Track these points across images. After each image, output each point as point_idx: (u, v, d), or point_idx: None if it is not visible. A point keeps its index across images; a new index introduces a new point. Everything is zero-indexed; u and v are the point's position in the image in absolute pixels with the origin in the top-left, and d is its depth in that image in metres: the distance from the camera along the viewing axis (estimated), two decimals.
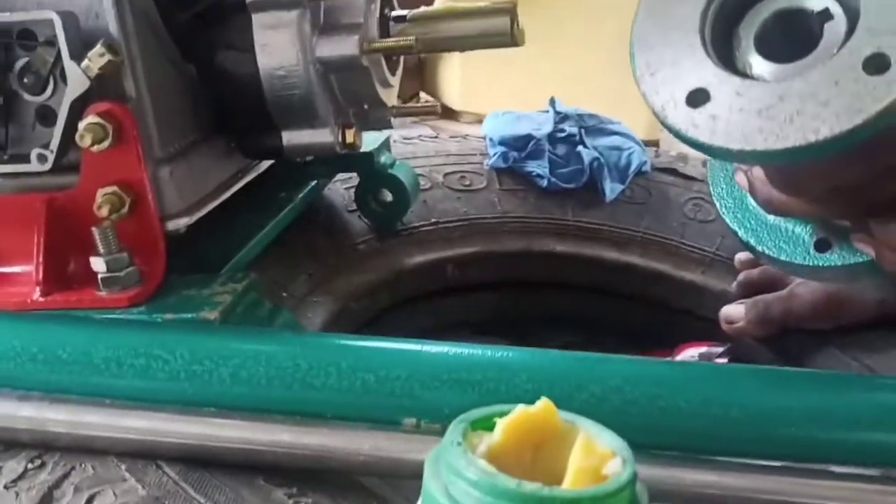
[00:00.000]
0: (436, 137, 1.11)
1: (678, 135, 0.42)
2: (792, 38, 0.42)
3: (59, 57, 0.58)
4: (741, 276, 0.87)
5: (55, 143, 0.59)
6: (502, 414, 0.37)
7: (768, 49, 0.43)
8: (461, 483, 0.33)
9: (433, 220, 0.95)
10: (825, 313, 0.79)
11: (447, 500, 0.33)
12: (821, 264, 0.51)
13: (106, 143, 0.57)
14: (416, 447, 0.49)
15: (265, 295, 0.63)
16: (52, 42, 0.58)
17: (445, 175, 1.00)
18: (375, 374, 0.51)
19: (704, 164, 1.08)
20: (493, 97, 1.14)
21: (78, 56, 0.57)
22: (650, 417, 0.50)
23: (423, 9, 0.68)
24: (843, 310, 0.79)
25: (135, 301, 0.58)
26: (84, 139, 0.57)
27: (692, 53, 0.42)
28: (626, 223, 0.99)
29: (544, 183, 1.00)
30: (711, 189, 0.56)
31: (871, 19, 0.39)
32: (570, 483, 0.34)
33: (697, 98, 0.41)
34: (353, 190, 0.91)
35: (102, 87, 0.58)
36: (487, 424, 0.37)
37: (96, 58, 0.57)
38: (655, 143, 1.29)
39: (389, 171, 0.88)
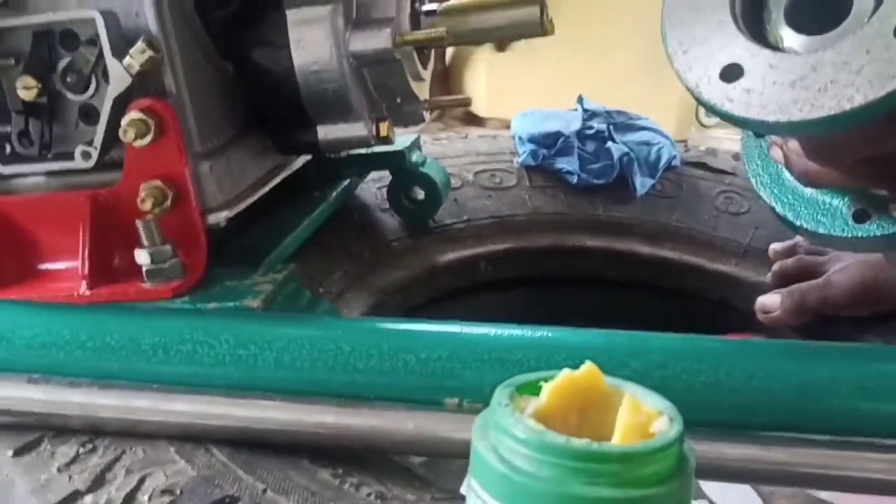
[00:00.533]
0: (465, 137, 1.12)
1: (713, 110, 0.42)
2: (822, 10, 0.43)
3: (100, 56, 0.60)
4: (776, 266, 0.87)
5: (98, 140, 0.61)
6: (548, 379, 0.37)
7: (799, 22, 0.43)
8: (510, 441, 0.33)
9: (465, 217, 0.96)
10: (862, 300, 0.78)
11: (497, 460, 0.34)
12: (860, 235, 0.51)
13: (148, 138, 0.59)
14: (459, 426, 0.50)
15: (305, 286, 0.64)
16: (93, 41, 0.60)
17: (476, 173, 1.01)
18: (416, 356, 0.52)
19: (735, 157, 1.08)
20: (519, 103, 1.14)
21: (119, 54, 0.59)
22: (692, 392, 0.51)
23: (452, 2, 0.69)
24: (881, 296, 0.78)
25: (178, 292, 0.59)
26: (127, 134, 0.58)
27: (723, 29, 0.43)
28: (658, 217, 0.99)
29: (574, 179, 1.00)
30: (746, 166, 0.56)
31: None
32: (619, 439, 0.34)
33: (731, 73, 0.41)
34: (385, 189, 0.92)
35: (143, 84, 0.60)
36: (533, 389, 0.37)
37: (138, 55, 0.58)
38: (684, 142, 1.29)
39: (421, 168, 0.89)
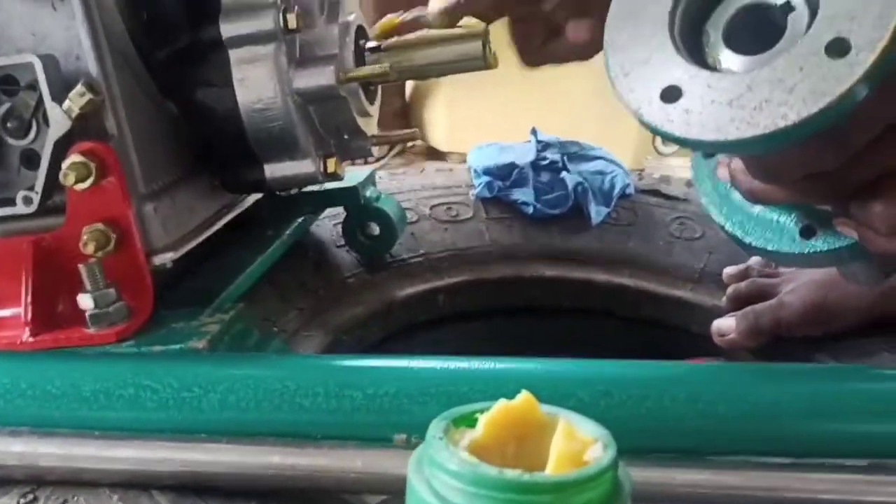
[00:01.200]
0: (422, 171, 1.12)
1: (655, 131, 0.43)
2: (758, 32, 0.44)
3: (40, 100, 0.59)
4: (730, 290, 0.88)
5: (40, 185, 0.60)
6: (483, 411, 0.37)
7: (736, 43, 0.44)
8: (443, 475, 0.33)
9: (422, 251, 0.96)
10: (814, 320, 0.79)
11: (431, 495, 0.33)
12: (807, 251, 0.51)
13: (89, 182, 0.58)
14: (408, 463, 0.49)
15: (254, 325, 0.63)
16: (33, 86, 0.59)
17: (432, 207, 1.01)
18: (363, 392, 0.51)
19: (688, 183, 1.09)
20: (479, 137, 1.15)
21: (59, 98, 0.58)
22: (639, 419, 0.51)
23: (396, 38, 0.70)
24: (832, 316, 0.79)
25: (123, 336, 0.58)
26: (68, 178, 0.58)
27: (663, 52, 0.43)
28: (614, 245, 1.00)
29: (530, 210, 1.01)
30: (697, 186, 0.57)
31: (830, 7, 0.40)
32: (553, 469, 0.34)
33: (671, 94, 0.42)
34: (340, 225, 0.92)
35: (84, 127, 0.60)
36: (469, 421, 0.37)
37: (77, 98, 0.58)
38: (640, 171, 1.30)
39: (375, 204, 0.89)
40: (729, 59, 0.44)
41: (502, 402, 0.37)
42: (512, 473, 0.32)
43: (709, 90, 0.41)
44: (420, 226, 0.99)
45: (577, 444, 0.35)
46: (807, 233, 0.52)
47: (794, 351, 0.79)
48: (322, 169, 0.68)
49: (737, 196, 0.55)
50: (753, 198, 0.50)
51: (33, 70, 0.58)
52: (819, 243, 0.51)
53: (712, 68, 0.44)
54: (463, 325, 0.97)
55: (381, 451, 0.50)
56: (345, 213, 0.90)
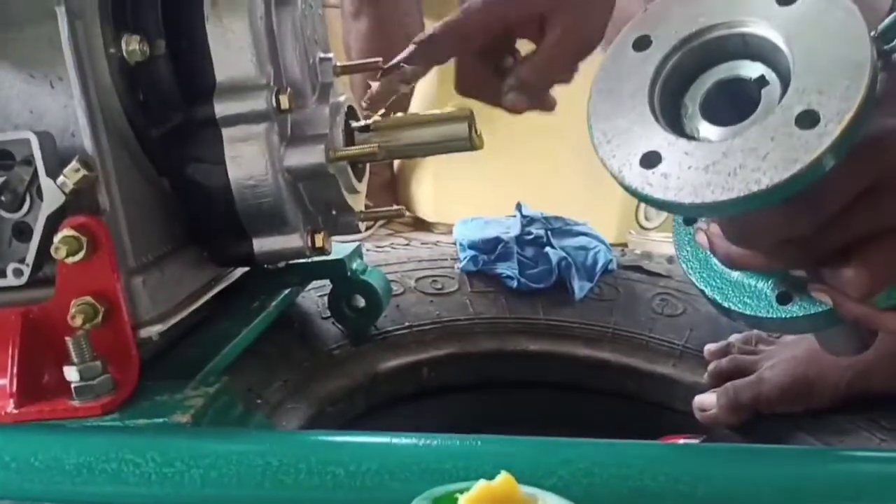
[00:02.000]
0: (407, 245, 1.14)
1: (635, 193, 0.45)
2: (734, 104, 0.46)
3: (35, 175, 0.61)
4: (711, 367, 0.89)
5: (31, 258, 0.61)
6: (464, 490, 0.38)
7: (713, 115, 0.47)
8: None
9: (407, 323, 0.97)
10: (794, 396, 0.80)
11: None
12: (784, 316, 0.53)
13: (80, 255, 0.59)
14: None
15: (238, 398, 0.64)
16: (28, 161, 0.61)
17: (417, 280, 1.03)
18: (345, 468, 0.52)
19: (669, 260, 1.11)
20: (465, 209, 1.18)
21: (54, 173, 0.60)
22: (619, 499, 0.51)
23: (383, 119, 0.72)
24: (812, 392, 0.80)
25: (108, 409, 0.59)
26: (59, 251, 0.59)
27: (643, 121, 0.46)
28: (596, 320, 1.01)
29: (514, 284, 1.02)
30: (677, 253, 0.59)
31: (800, 81, 0.43)
32: None
33: (650, 160, 0.44)
34: (326, 297, 0.93)
35: (77, 201, 0.61)
36: (450, 501, 0.38)
37: (72, 173, 0.59)
38: (624, 245, 1.32)
39: (361, 276, 0.90)
40: (706, 129, 0.47)
41: (482, 483, 0.38)
42: None
43: (686, 157, 0.44)
44: (405, 298, 1.00)
45: None
46: (783, 299, 0.53)
47: (774, 428, 0.80)
48: (310, 244, 0.69)
49: (716, 262, 0.56)
50: (731, 263, 0.51)
51: (30, 146, 0.60)
52: (795, 308, 0.53)
53: (690, 137, 0.46)
54: (447, 398, 0.98)
55: None
56: (331, 285, 0.91)
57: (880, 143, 0.45)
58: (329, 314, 0.93)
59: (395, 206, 0.77)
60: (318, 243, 0.70)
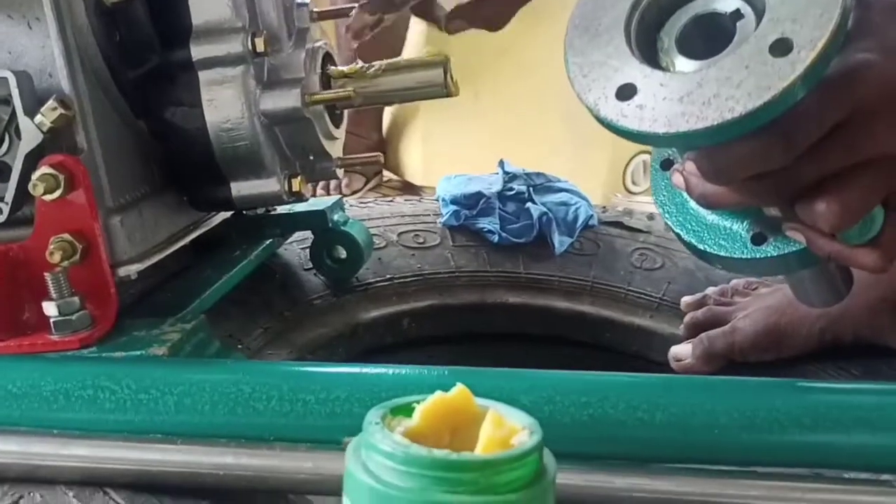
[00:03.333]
0: (391, 201, 1.15)
1: (610, 126, 0.46)
2: (709, 38, 0.47)
3: (13, 115, 0.61)
4: (687, 318, 0.90)
5: (10, 196, 0.62)
6: (420, 402, 0.39)
7: (689, 49, 0.48)
8: (378, 456, 0.35)
9: (388, 276, 0.98)
10: (766, 345, 0.82)
11: (366, 474, 0.35)
12: (758, 256, 0.54)
13: (58, 193, 0.60)
14: None
15: (215, 337, 0.65)
16: (6, 101, 0.62)
17: (400, 234, 1.04)
18: (316, 396, 0.53)
19: (650, 216, 1.12)
20: (453, 171, 1.19)
21: (31, 112, 0.61)
22: (580, 426, 0.53)
23: (361, 64, 0.72)
24: (784, 341, 0.82)
25: (85, 343, 0.60)
26: (37, 188, 0.60)
27: (619, 55, 0.47)
28: (576, 274, 1.02)
29: (496, 238, 1.03)
30: (654, 198, 0.60)
31: (774, 11, 0.44)
32: (481, 451, 0.36)
33: (625, 92, 0.45)
34: (308, 250, 0.94)
35: (55, 141, 0.62)
36: (407, 411, 0.39)
37: (49, 112, 0.60)
38: (604, 207, 1.33)
39: (342, 228, 0.91)
40: (681, 63, 0.48)
41: (438, 394, 0.39)
42: (440, 453, 0.34)
43: (661, 88, 0.45)
44: (387, 251, 1.01)
45: (505, 430, 0.37)
46: (758, 239, 0.55)
47: (748, 376, 0.82)
48: (287, 188, 0.71)
49: (692, 205, 0.57)
50: (706, 202, 0.52)
51: (7, 85, 0.61)
52: (770, 249, 0.54)
53: (666, 70, 0.47)
54: (427, 349, 0.99)
55: (331, 453, 0.52)
56: (312, 237, 0.92)
57: (852, 76, 0.46)
58: (311, 265, 0.94)
59: (372, 154, 0.78)
60: (296, 187, 0.71)
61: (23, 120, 0.61)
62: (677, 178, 0.54)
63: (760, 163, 0.47)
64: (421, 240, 1.04)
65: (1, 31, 0.63)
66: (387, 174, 2.10)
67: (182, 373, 0.55)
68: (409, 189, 1.99)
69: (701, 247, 0.57)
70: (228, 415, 0.53)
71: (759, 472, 0.52)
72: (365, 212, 1.08)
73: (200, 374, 0.55)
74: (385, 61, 0.74)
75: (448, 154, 1.93)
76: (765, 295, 0.88)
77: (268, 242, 0.89)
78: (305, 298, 0.91)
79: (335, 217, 0.91)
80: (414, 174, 2.04)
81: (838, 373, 0.82)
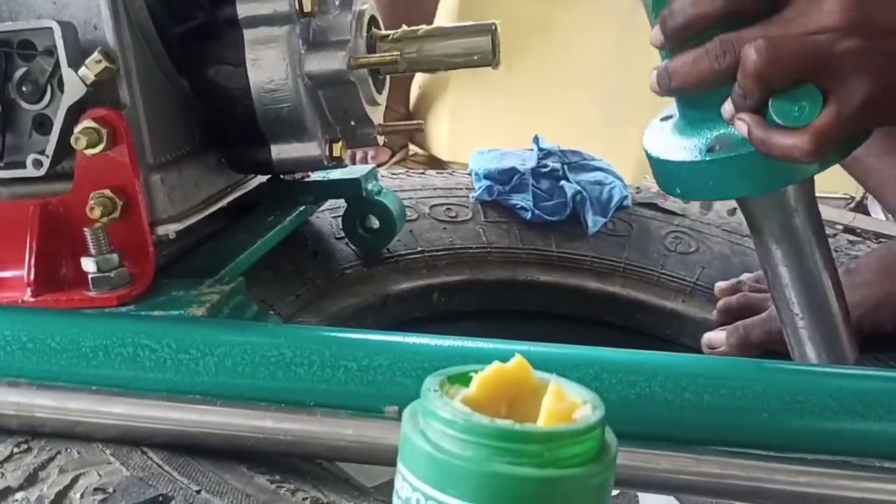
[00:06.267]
0: (422, 173, 1.14)
1: None
2: None
3: (56, 66, 0.60)
4: (720, 303, 0.89)
5: (51, 149, 0.61)
6: (478, 371, 0.38)
7: None
8: (437, 424, 0.34)
9: (419, 248, 0.97)
10: None
11: (424, 441, 0.34)
12: (709, 158, 0.56)
13: (100, 147, 0.59)
14: (398, 434, 0.50)
15: (252, 299, 0.64)
16: (50, 52, 0.61)
17: (432, 207, 1.03)
18: (358, 363, 0.52)
19: (685, 199, 1.11)
20: (481, 147, 1.17)
21: (75, 65, 0.60)
22: (626, 404, 0.52)
23: (407, 28, 0.71)
24: None
25: (123, 300, 0.59)
26: (79, 142, 0.59)
27: None
28: (609, 255, 1.01)
29: (528, 215, 1.02)
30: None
31: None
32: (543, 424, 0.35)
33: None
34: (340, 219, 0.93)
35: (98, 95, 0.61)
36: (464, 380, 0.38)
37: (93, 65, 0.59)
38: (637, 188, 1.32)
39: (376, 197, 0.90)
40: None
41: (496, 364, 0.38)
42: (503, 423, 0.33)
43: None
44: (419, 224, 1.00)
45: (567, 404, 0.36)
46: (711, 150, 0.56)
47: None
48: (327, 153, 0.69)
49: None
50: (689, 23, 0.53)
51: (52, 36, 0.60)
52: (720, 154, 0.56)
53: None
54: (456, 324, 0.98)
55: (372, 421, 0.51)
56: (345, 206, 0.91)
57: None
58: (343, 234, 0.93)
59: (414, 122, 0.77)
60: (336, 153, 0.70)
61: (66, 72, 0.60)
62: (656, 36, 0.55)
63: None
64: (453, 213, 1.03)
65: None
66: (412, 148, 2.08)
67: (223, 334, 0.54)
68: (435, 164, 1.97)
69: (663, 157, 0.59)
70: (269, 378, 0.52)
71: (807, 459, 0.51)
72: (397, 183, 1.07)
73: (242, 335, 0.54)
74: (431, 26, 0.72)
75: (476, 130, 1.91)
76: None
77: (301, 209, 0.88)
78: (337, 267, 0.90)
79: (369, 186, 0.90)
80: (440, 149, 2.02)
81: (875, 363, 0.81)
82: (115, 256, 0.60)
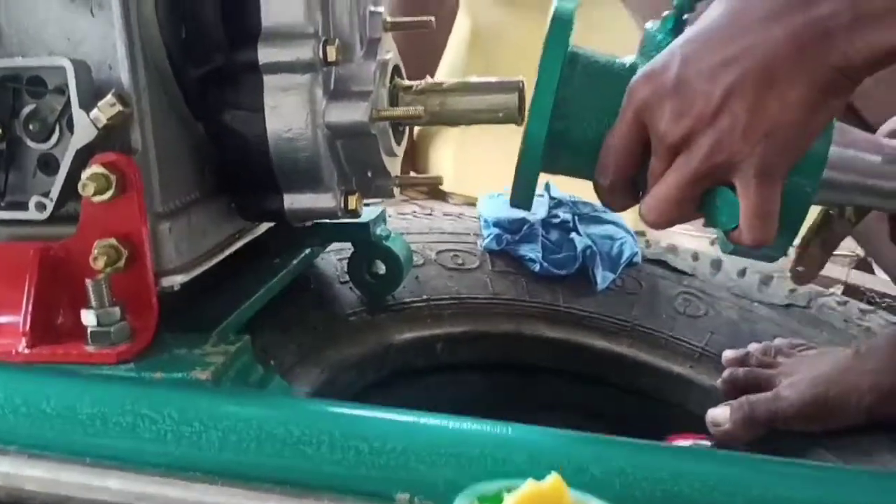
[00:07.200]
0: (430, 214, 1.11)
1: None
2: None
3: (67, 105, 0.58)
4: (726, 374, 0.86)
5: (55, 192, 0.58)
6: (511, 489, 0.35)
7: None
8: None
9: (424, 296, 0.94)
10: (813, 416, 0.77)
11: None
12: None
13: (108, 194, 0.56)
14: None
15: (257, 360, 0.61)
16: (61, 90, 0.58)
17: (438, 252, 1.00)
18: (370, 445, 0.49)
19: (694, 256, 1.08)
20: (484, 181, 1.14)
21: (87, 106, 0.57)
22: (653, 502, 0.49)
23: (431, 80, 0.69)
24: (832, 414, 0.77)
25: (123, 357, 0.56)
26: (87, 188, 0.56)
27: None
28: (617, 313, 0.99)
29: (536, 267, 1.00)
30: None
31: None
32: None
33: None
34: (346, 261, 0.90)
35: (108, 138, 0.58)
36: (495, 500, 0.35)
37: (106, 108, 0.56)
38: (642, 233, 1.29)
39: (385, 243, 0.87)
40: None
41: (531, 483, 0.35)
42: None
43: None
44: (425, 270, 0.97)
45: None
46: None
47: (791, 445, 0.78)
48: (342, 205, 0.67)
49: None
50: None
51: (64, 74, 0.57)
52: None
53: None
54: (458, 376, 0.95)
55: None
56: (351, 249, 0.89)
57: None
58: (347, 279, 0.90)
59: (434, 176, 0.74)
60: (352, 205, 0.67)
61: (78, 113, 0.57)
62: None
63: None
64: (460, 261, 1.00)
65: (61, 16, 0.59)
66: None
67: (228, 405, 0.51)
68: (436, 194, 1.94)
69: None
70: (274, 457, 0.49)
71: None
72: (404, 224, 1.04)
73: (248, 408, 0.51)
74: (456, 80, 0.70)
75: (482, 162, 1.88)
76: (812, 359, 0.84)
77: (307, 252, 0.85)
78: (340, 314, 0.87)
79: (378, 230, 0.87)
80: (444, 179, 1.99)
81: (892, 446, 0.78)
82: (116, 310, 0.57)
